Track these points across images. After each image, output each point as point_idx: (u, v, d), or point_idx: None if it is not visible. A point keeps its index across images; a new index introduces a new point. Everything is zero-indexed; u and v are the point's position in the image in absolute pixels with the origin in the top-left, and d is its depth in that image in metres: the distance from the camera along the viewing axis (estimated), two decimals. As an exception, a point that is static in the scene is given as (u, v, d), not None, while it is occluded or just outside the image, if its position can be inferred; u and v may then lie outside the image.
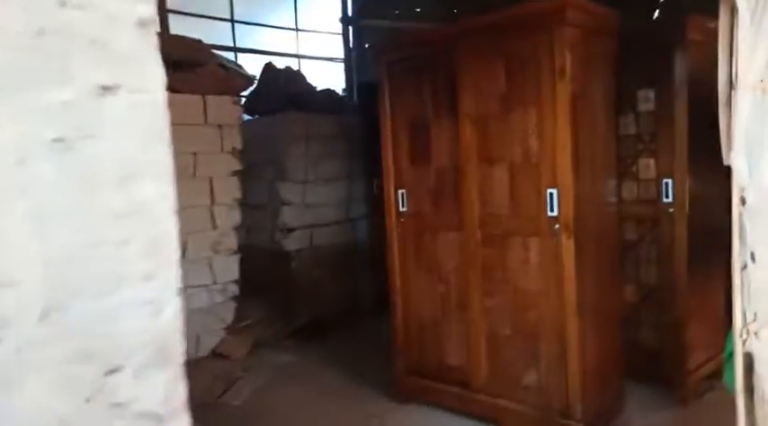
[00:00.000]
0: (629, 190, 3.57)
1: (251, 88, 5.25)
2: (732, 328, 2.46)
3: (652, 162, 3.46)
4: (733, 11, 2.12)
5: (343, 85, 7.38)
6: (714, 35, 3.49)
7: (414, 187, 3.49)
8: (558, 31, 2.74)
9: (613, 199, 3.18)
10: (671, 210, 3.38)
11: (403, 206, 3.55)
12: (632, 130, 3.53)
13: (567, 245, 2.83)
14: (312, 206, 5.50)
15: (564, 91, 2.76)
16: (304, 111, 5.38)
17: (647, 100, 3.45)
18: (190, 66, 4.05)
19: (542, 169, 2.88)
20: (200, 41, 4.50)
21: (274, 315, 5.25)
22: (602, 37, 3.00)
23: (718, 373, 3.70)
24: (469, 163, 3.15)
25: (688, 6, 4.17)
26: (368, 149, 5.59)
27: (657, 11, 4.31)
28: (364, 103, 5.56)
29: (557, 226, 2.85)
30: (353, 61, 7.44)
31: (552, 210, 2.86)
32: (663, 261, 3.48)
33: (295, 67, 6.03)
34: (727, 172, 3.52)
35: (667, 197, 3.39)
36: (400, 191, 3.55)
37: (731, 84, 2.20)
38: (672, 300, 3.43)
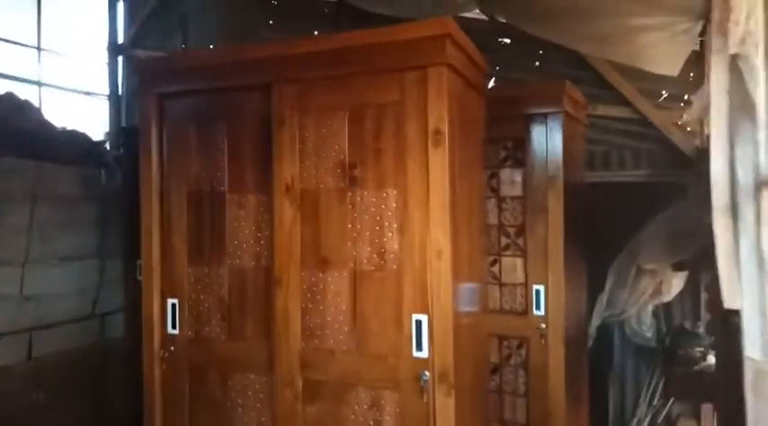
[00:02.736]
0: (491, 298, 2.72)
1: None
2: None
3: (519, 262, 2.68)
4: (733, 70, 1.37)
5: (107, 130, 5.67)
6: (582, 110, 2.93)
7: (195, 297, 2.17)
8: (436, 73, 1.78)
9: (479, 312, 2.26)
10: (543, 326, 2.60)
11: (174, 326, 2.19)
12: (493, 219, 2.73)
13: (445, 405, 1.78)
14: (35, 298, 3.71)
15: (441, 163, 1.78)
16: (31, 159, 3.67)
17: (512, 183, 2.69)
18: None
19: (406, 283, 1.83)
20: None
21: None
22: (476, 94, 2.15)
23: None
24: (289, 265, 1.97)
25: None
26: (131, 217, 4.07)
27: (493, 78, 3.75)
28: (133, 155, 4.04)
29: (426, 373, 1.79)
30: (123, 100, 5.81)
31: (420, 349, 1.81)
32: (533, 392, 2.65)
33: (34, 98, 4.27)
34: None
35: (539, 308, 2.61)
36: (171, 302, 2.19)
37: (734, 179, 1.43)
38: (545, 445, 2.60)
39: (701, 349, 3.05)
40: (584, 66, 3.58)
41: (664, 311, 3.50)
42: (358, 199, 1.90)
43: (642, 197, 3.53)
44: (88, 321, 4.18)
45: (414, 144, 1.81)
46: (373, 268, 1.88)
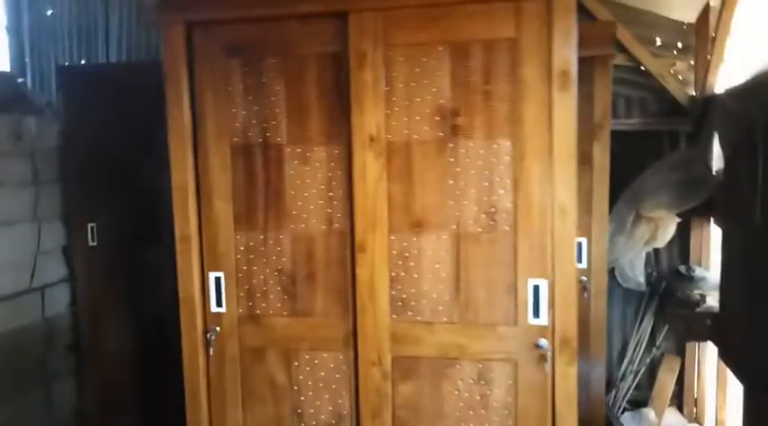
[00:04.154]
0: (528, 252, 2.61)
1: None
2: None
3: (560, 214, 2.57)
4: None
5: (11, 67, 4.78)
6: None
7: (246, 268, 1.83)
8: (563, 5, 1.57)
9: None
10: (584, 279, 2.55)
11: (219, 304, 1.84)
12: (531, 170, 2.58)
13: (566, 374, 1.65)
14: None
15: (568, 110, 1.58)
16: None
17: (553, 131, 2.54)
18: None
19: (521, 245, 1.64)
20: None
21: None
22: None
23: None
24: (374, 229, 1.70)
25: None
26: (77, 172, 3.52)
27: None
28: (72, 100, 3.40)
29: (542, 342, 1.64)
30: (26, 32, 4.89)
31: (537, 316, 1.65)
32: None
33: None
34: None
35: (580, 261, 2.55)
36: (214, 276, 1.84)
37: None
38: (584, 397, 2.59)
39: (700, 291, 3.20)
40: (579, 11, 3.46)
41: (654, 256, 3.62)
42: (462, 151, 1.65)
43: (633, 145, 3.56)
44: (25, 297, 3.58)
45: (533, 87, 1.59)
46: (480, 229, 1.67)
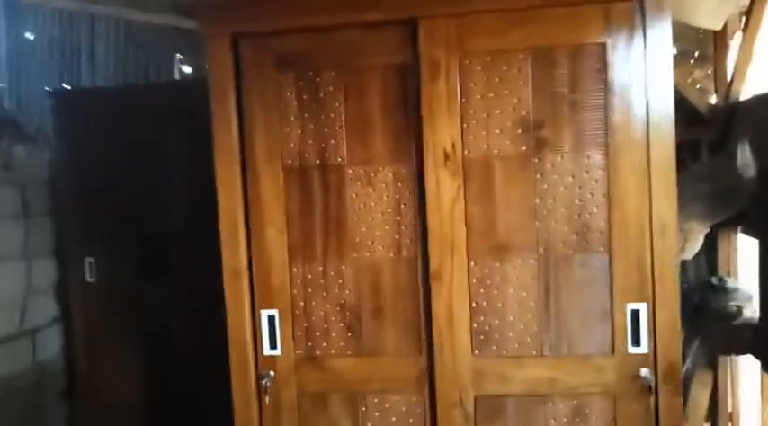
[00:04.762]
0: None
1: None
2: None
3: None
4: None
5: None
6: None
7: (303, 305, 1.64)
8: (656, 6, 1.44)
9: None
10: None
11: (273, 346, 1.64)
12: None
13: (671, 406, 1.50)
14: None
15: (666, 118, 1.47)
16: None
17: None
18: None
19: (618, 266, 1.50)
20: None
21: None
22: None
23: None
24: (452, 255, 1.54)
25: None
26: (74, 203, 3.27)
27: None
28: (65, 126, 3.16)
29: (644, 372, 1.50)
30: (5, 54, 4.60)
31: (637, 343, 1.50)
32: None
33: None
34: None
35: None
36: (267, 314, 1.64)
37: None
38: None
39: (736, 303, 3.12)
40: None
41: (682, 268, 3.53)
42: (548, 166, 1.51)
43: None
44: (15, 341, 3.29)
45: (625, 95, 1.46)
46: (572, 251, 1.52)
